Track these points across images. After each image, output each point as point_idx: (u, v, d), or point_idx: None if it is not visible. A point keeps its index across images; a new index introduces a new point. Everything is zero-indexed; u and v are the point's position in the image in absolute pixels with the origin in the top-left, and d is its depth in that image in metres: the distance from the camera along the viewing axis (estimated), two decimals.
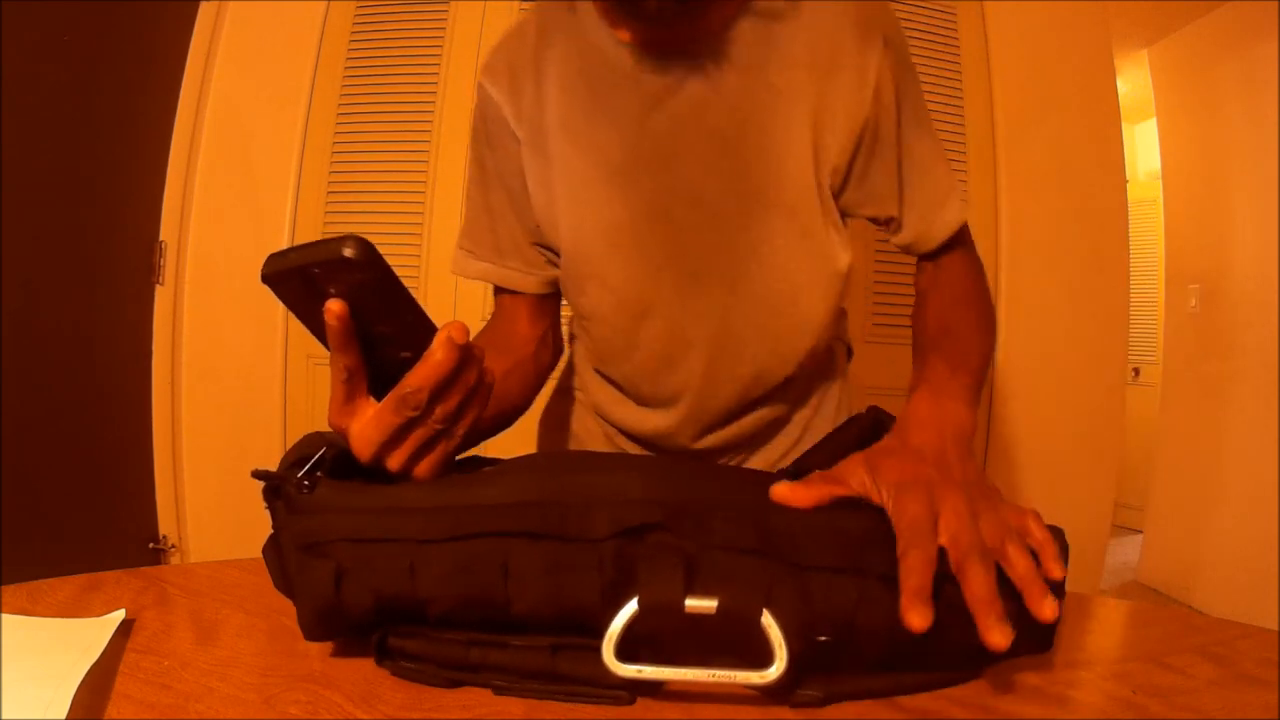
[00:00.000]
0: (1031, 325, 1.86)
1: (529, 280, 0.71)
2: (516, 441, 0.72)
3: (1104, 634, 0.49)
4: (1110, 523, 1.94)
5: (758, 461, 0.74)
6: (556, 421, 0.82)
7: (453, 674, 0.36)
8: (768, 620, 0.33)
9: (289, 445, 0.42)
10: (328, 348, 0.39)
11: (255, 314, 1.78)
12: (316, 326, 0.39)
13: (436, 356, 0.39)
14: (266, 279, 0.37)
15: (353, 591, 0.36)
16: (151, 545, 1.77)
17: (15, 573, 0.48)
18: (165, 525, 1.79)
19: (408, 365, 0.39)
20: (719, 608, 0.33)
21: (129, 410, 1.74)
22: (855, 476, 0.41)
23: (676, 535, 0.35)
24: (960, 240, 0.68)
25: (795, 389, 0.72)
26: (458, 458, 0.46)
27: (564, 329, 0.79)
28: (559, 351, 0.78)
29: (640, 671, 0.34)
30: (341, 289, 0.37)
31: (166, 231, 1.78)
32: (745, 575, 0.34)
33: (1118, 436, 1.92)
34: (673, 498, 0.36)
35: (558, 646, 0.35)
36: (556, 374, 0.81)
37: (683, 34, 0.60)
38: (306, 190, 1.78)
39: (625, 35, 0.62)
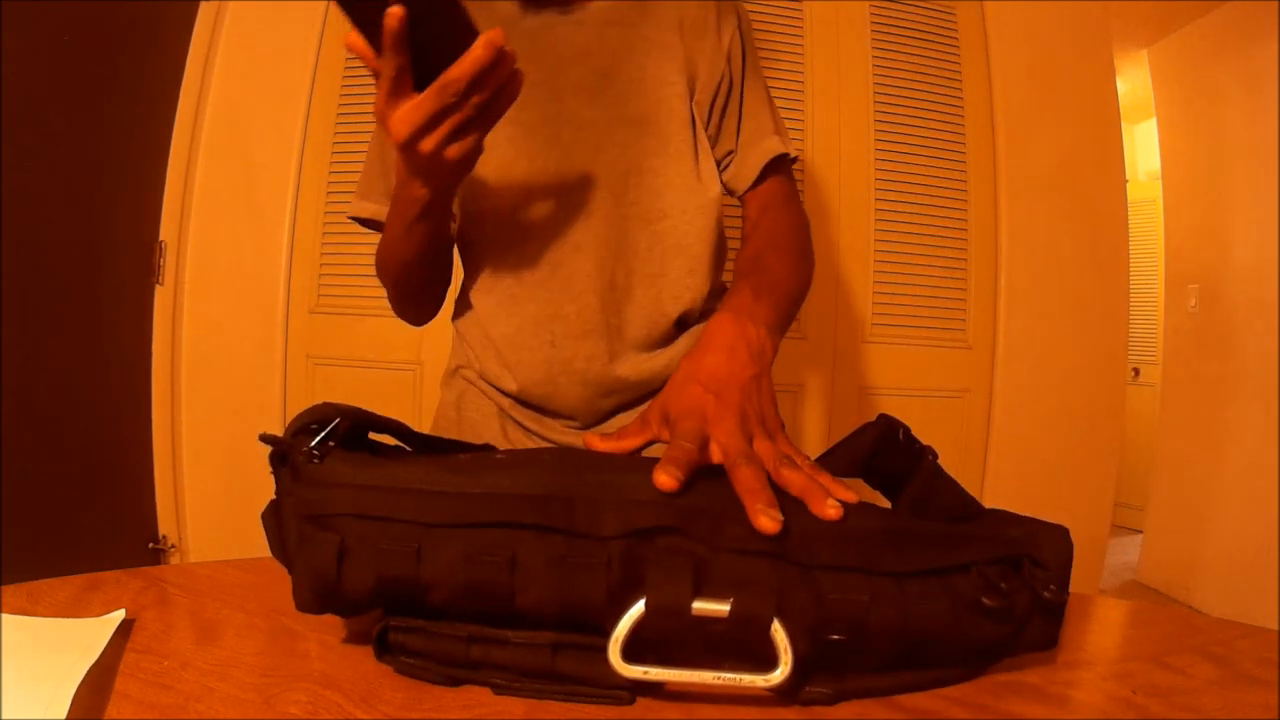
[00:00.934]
0: (1031, 325, 1.87)
1: None
2: None
3: (1104, 634, 0.49)
4: (1110, 523, 1.94)
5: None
6: (448, 411, 0.81)
7: (453, 671, 0.36)
8: (775, 625, 0.33)
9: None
10: (379, 54, 0.47)
11: (255, 314, 1.78)
12: (373, 33, 0.46)
13: (477, 52, 0.47)
14: None
15: (355, 569, 0.36)
16: (151, 545, 1.77)
17: (15, 573, 0.48)
18: (165, 525, 1.79)
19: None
20: (730, 613, 0.33)
21: (129, 410, 1.74)
22: (653, 414, 0.51)
23: (689, 537, 0.35)
24: (786, 194, 0.78)
25: (682, 347, 0.75)
26: (468, 453, 0.46)
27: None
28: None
29: (645, 672, 0.34)
30: None
31: (166, 231, 1.78)
32: (757, 580, 0.34)
33: (1118, 436, 1.92)
34: (686, 499, 0.36)
35: (558, 645, 0.35)
36: (440, 371, 0.85)
37: None
38: (306, 190, 1.78)
39: None
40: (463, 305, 0.80)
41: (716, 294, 0.77)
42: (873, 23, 1.84)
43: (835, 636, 0.35)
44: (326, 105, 1.78)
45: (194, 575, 0.50)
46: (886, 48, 1.84)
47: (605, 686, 0.35)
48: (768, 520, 0.35)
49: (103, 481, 1.68)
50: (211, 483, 1.80)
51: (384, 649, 0.37)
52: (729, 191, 0.78)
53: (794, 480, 0.40)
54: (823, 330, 1.81)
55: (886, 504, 0.46)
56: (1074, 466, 1.89)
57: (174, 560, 1.78)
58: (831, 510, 0.37)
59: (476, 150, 0.54)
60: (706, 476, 0.40)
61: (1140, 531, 3.05)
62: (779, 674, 0.33)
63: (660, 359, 0.74)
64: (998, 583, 0.36)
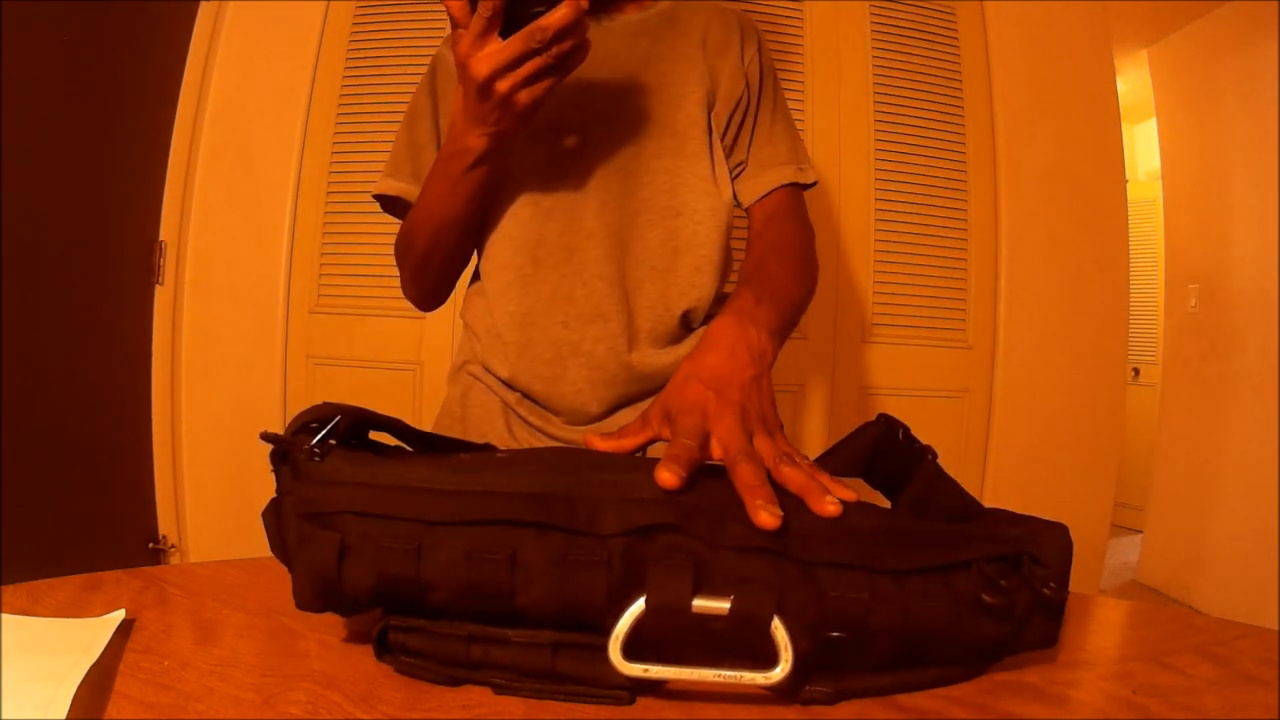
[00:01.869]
0: (1031, 326, 1.87)
1: None
2: None
3: (1104, 634, 0.49)
4: (1110, 523, 1.94)
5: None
6: (453, 406, 0.81)
7: (453, 671, 0.36)
8: (775, 623, 0.33)
9: None
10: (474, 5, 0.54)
11: (255, 314, 1.79)
12: None
13: (564, 9, 0.53)
14: None
15: (355, 567, 0.36)
16: (151, 545, 1.77)
17: (15, 573, 0.48)
18: (165, 525, 1.79)
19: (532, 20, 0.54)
20: (730, 611, 0.33)
21: (129, 410, 1.74)
22: (654, 412, 0.52)
23: (690, 535, 0.35)
24: (792, 206, 0.80)
25: (687, 348, 0.75)
26: (468, 452, 0.46)
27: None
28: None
29: (646, 670, 0.34)
30: None
31: (166, 231, 1.78)
32: (757, 577, 0.34)
33: (1118, 436, 1.92)
34: (687, 497, 0.36)
35: (558, 645, 0.35)
36: (446, 370, 0.85)
37: (610, 4, 0.78)
38: (306, 190, 1.78)
39: None
40: (472, 296, 0.81)
41: (721, 300, 0.78)
42: (873, 23, 1.84)
43: (835, 634, 0.35)
44: (326, 105, 1.78)
45: (194, 575, 0.50)
46: (886, 48, 1.84)
47: (605, 686, 0.35)
48: (768, 516, 0.35)
49: (103, 481, 1.68)
50: (211, 483, 1.80)
51: (384, 649, 0.37)
52: (736, 203, 0.80)
53: (793, 478, 0.40)
54: (823, 330, 1.82)
55: (886, 504, 0.46)
56: (1074, 466, 1.89)
57: (174, 560, 1.78)
58: (831, 507, 0.37)
59: (542, 101, 0.59)
60: (707, 475, 0.40)
61: (1140, 531, 3.05)
62: (779, 672, 0.33)
63: (666, 356, 0.75)
64: (998, 581, 0.36)
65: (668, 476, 0.36)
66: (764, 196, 0.79)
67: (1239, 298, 2.55)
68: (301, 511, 0.36)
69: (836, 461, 0.49)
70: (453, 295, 0.83)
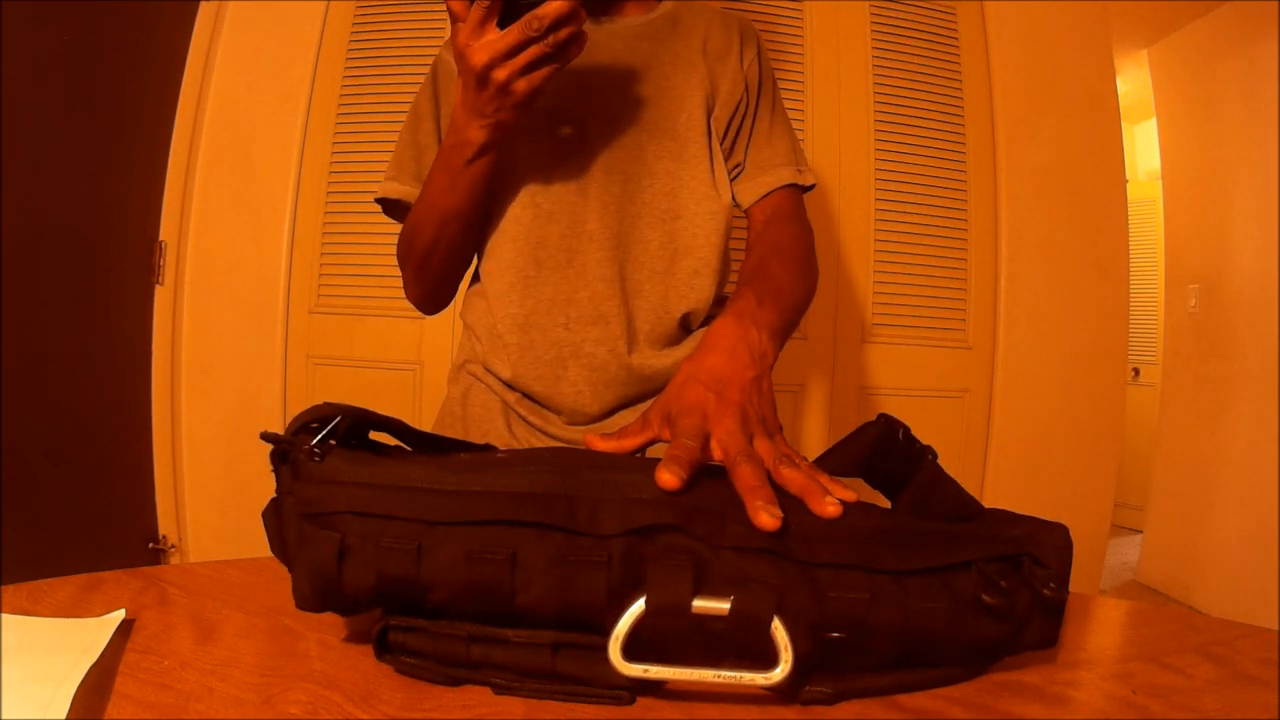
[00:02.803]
0: (1031, 325, 1.87)
1: None
2: None
3: (1104, 634, 0.49)
4: (1110, 523, 1.94)
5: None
6: (453, 406, 0.81)
7: (453, 671, 0.36)
8: (775, 624, 0.33)
9: None
10: None
11: (255, 314, 1.79)
12: None
13: (560, 1, 0.54)
14: None
15: (355, 567, 0.36)
16: (151, 545, 1.77)
17: (15, 573, 0.48)
18: (165, 525, 1.79)
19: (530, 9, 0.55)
20: (730, 611, 0.33)
21: (129, 410, 1.74)
22: (654, 413, 0.52)
23: (690, 535, 0.35)
24: (791, 208, 0.80)
25: (686, 350, 0.75)
26: (468, 452, 0.46)
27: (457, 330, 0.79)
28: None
29: (645, 670, 0.34)
30: None
31: (166, 231, 1.78)
32: (757, 577, 0.34)
33: (1118, 436, 1.92)
34: (688, 497, 0.36)
35: (559, 645, 0.35)
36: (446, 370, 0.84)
37: (611, 7, 0.79)
38: (306, 190, 1.78)
39: None
40: (472, 296, 0.81)
41: (720, 302, 0.78)
42: (873, 23, 1.84)
43: (835, 635, 0.35)
44: (326, 105, 1.79)
45: (194, 575, 0.50)
46: (886, 48, 1.84)
47: (605, 686, 0.35)
48: (768, 517, 0.35)
49: (103, 481, 1.68)
50: (211, 483, 1.80)
51: (384, 649, 0.37)
52: (735, 204, 0.80)
53: (793, 478, 0.40)
54: (823, 330, 1.82)
55: (886, 504, 0.46)
56: (1074, 466, 1.89)
57: (174, 560, 1.78)
58: (831, 508, 0.37)
59: (540, 90, 0.60)
60: (707, 476, 0.40)
61: (1140, 531, 3.05)
62: (779, 673, 0.33)
63: (666, 358, 0.75)
64: (998, 581, 0.36)
65: (668, 477, 0.36)
66: (763, 198, 0.80)
67: (1239, 298, 2.55)
68: (301, 511, 0.36)
69: (836, 462, 0.49)
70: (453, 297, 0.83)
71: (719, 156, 0.78)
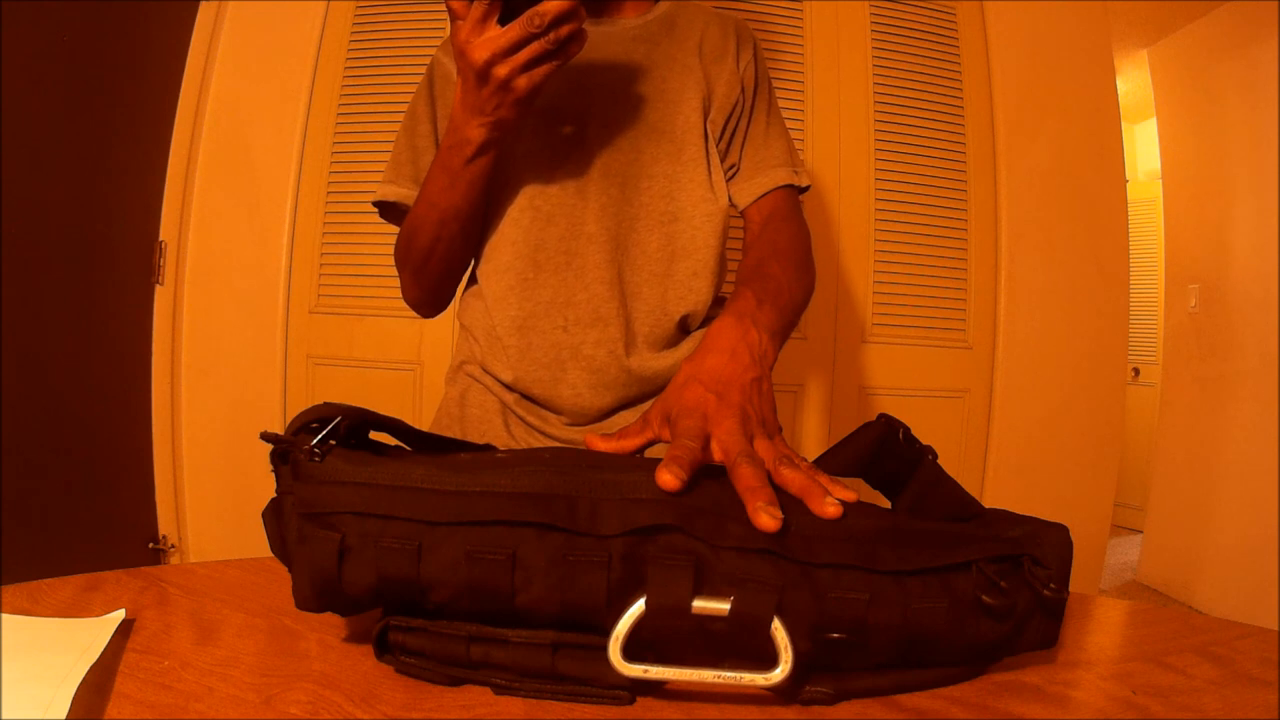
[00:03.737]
0: (1031, 325, 1.87)
1: None
2: None
3: (1104, 634, 0.49)
4: (1110, 523, 1.94)
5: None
6: (451, 406, 0.81)
7: (453, 671, 0.36)
8: (775, 624, 0.33)
9: None
10: None
11: (255, 314, 1.79)
12: None
13: None
14: None
15: (355, 567, 0.35)
16: (151, 545, 1.77)
17: (15, 573, 0.48)
18: (165, 525, 1.79)
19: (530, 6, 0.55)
20: (730, 611, 0.33)
21: (129, 410, 1.74)
22: (654, 414, 0.52)
23: (690, 536, 0.35)
24: (789, 209, 0.80)
25: (685, 350, 0.76)
26: (468, 452, 0.46)
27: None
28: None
29: (645, 671, 0.34)
30: None
31: (166, 231, 1.78)
32: (757, 578, 0.34)
33: (1118, 436, 1.92)
34: (688, 498, 0.36)
35: (559, 645, 0.35)
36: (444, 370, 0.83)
37: (608, 8, 0.79)
38: (306, 190, 1.78)
39: None
40: (470, 298, 0.81)
41: (718, 303, 0.78)
42: (873, 23, 1.84)
43: (835, 635, 0.35)
44: (326, 105, 1.79)
45: (194, 575, 0.50)
46: (886, 48, 1.84)
47: (605, 686, 0.35)
48: (768, 518, 0.35)
49: (103, 481, 1.68)
50: (211, 483, 1.80)
51: (384, 649, 0.37)
52: (732, 205, 0.80)
53: (793, 479, 0.40)
54: (823, 330, 1.82)
55: (886, 504, 0.46)
56: (1074, 466, 1.89)
57: (174, 560, 1.78)
58: (831, 509, 0.37)
59: (540, 88, 0.60)
60: (707, 476, 0.40)
61: (1140, 531, 3.05)
62: (779, 673, 0.33)
63: (665, 360, 0.75)
64: (998, 581, 0.36)
65: (668, 478, 0.36)
66: (760, 198, 0.80)
67: (1239, 298, 2.55)
68: (301, 511, 0.36)
69: (836, 462, 0.49)
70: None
71: (716, 158, 0.78)
